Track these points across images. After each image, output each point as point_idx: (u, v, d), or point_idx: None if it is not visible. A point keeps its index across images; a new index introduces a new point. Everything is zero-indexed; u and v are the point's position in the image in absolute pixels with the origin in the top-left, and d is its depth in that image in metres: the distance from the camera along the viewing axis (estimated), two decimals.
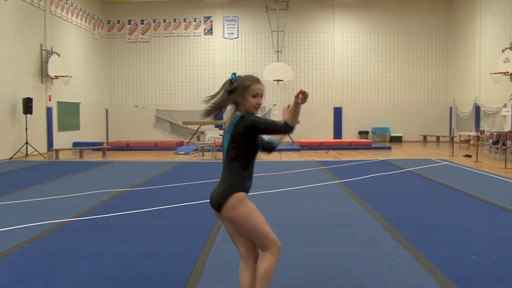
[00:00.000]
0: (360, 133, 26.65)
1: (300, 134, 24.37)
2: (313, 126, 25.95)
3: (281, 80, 24.99)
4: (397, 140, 26.21)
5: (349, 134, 26.44)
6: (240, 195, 3.40)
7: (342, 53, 26.66)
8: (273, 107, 26.47)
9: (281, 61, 25.74)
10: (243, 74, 3.64)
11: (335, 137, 26.28)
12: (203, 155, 18.78)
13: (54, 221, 7.08)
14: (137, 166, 15.41)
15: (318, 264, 5.01)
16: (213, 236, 6.13)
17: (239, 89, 3.43)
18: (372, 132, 26.69)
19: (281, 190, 9.91)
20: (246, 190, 3.47)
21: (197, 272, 4.79)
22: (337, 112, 26.76)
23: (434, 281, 4.52)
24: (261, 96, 3.50)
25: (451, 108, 26.51)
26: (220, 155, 18.46)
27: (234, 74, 3.54)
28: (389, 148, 21.67)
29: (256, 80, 3.49)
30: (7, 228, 6.65)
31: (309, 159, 16.82)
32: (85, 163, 16.32)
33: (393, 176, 12.15)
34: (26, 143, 18.18)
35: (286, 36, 26.29)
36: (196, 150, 20.10)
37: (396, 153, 19.37)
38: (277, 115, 26.00)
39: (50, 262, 5.12)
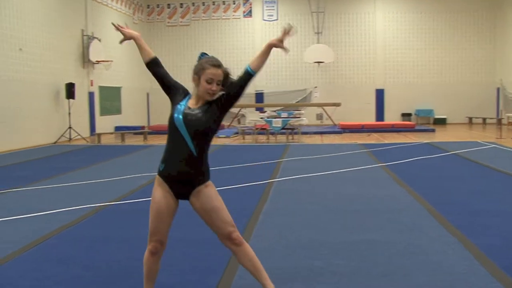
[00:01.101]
0: (403, 115, 26.06)
1: (341, 116, 24.02)
2: (355, 108, 25.50)
3: (322, 62, 24.60)
4: (441, 122, 25.53)
5: (392, 116, 25.89)
6: (156, 176, 3.36)
7: (384, 34, 26.03)
8: (314, 89, 26.13)
9: (321, 43, 25.31)
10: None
11: (377, 120, 25.76)
12: (244, 138, 18.71)
13: (94, 204, 7.09)
14: None
15: (362, 251, 4.81)
16: (253, 222, 6.00)
17: (195, 70, 3.28)
18: (415, 114, 26.06)
19: (323, 173, 9.72)
20: (160, 173, 3.32)
21: (234, 261, 4.65)
22: (379, 94, 26.21)
23: (484, 270, 4.27)
24: (218, 83, 3.25)
25: (498, 89, 25.61)
26: (260, 138, 18.37)
27: (202, 53, 3.36)
28: (433, 130, 21.12)
29: (215, 65, 3.25)
30: (48, 212, 6.69)
31: (351, 142, 16.52)
32: (127, 147, 16.47)
33: (438, 159, 11.78)
34: (70, 127, 18.44)
35: (327, 17, 25.82)
36: (237, 133, 20.05)
37: (441, 136, 18.86)
38: (318, 98, 25.69)
39: (88, 246, 5.10)
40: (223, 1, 26.61)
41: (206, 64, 3.26)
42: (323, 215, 6.29)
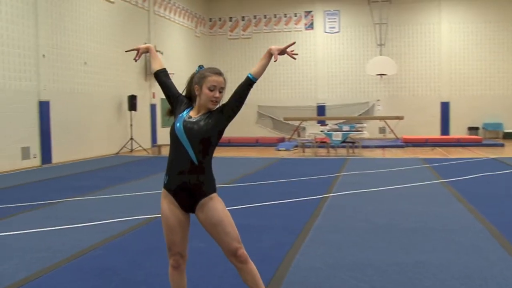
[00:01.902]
0: (470, 129, 25.06)
1: (405, 130, 23.41)
2: (419, 121, 24.78)
3: (385, 75, 24.09)
4: None
5: (458, 130, 24.97)
6: (163, 189, 3.30)
7: (450, 45, 25.18)
8: (376, 102, 25.62)
9: (384, 55, 24.80)
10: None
11: (442, 134, 24.91)
12: (303, 151, 18.50)
13: (145, 216, 7.10)
14: (235, 162, 15.41)
15: (412, 274, 4.50)
16: (302, 238, 5.80)
17: (196, 80, 3.23)
18: (483, 128, 25.00)
19: (380, 189, 9.38)
20: (165, 186, 3.28)
21: (278, 277, 4.48)
22: (445, 107, 25.33)
23: None
24: (220, 91, 3.21)
25: None
26: (320, 151, 18.10)
27: (200, 66, 3.31)
28: (502, 145, 20.15)
29: (216, 72, 3.22)
30: (99, 222, 6.74)
31: (413, 157, 15.99)
32: None
33: (505, 176, 11.15)
34: (131, 138, 18.83)
35: (390, 28, 25.30)
36: (297, 146, 19.86)
37: (510, 151, 17.96)
38: (381, 111, 25.15)
39: (131, 258, 5.05)
40: (285, 14, 26.60)
41: (207, 72, 3.25)
42: (374, 233, 6.01)
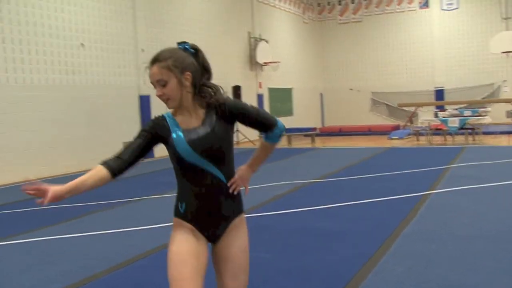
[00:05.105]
0: None
1: None
2: None
3: (511, 52, 21.69)
4: None
5: None
6: (174, 220, 2.37)
7: None
8: (502, 83, 23.24)
9: (510, 30, 22.34)
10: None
11: None
12: (417, 140, 17.11)
13: None
14: (341, 152, 14.50)
15: None
16: (384, 248, 4.83)
17: None
18: None
19: (496, 184, 8.02)
20: (180, 215, 2.32)
21: None
22: None
23: None
24: (162, 84, 2.25)
25: None
26: (436, 139, 16.61)
27: (180, 43, 2.34)
28: None
29: (150, 62, 2.28)
30: (164, 225, 6.20)
31: None
32: (292, 150, 15.97)
33: None
34: (237, 130, 18.48)
35: None
36: (411, 134, 18.45)
37: None
38: (508, 93, 22.78)
39: None
40: None
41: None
42: (479, 244, 4.85)
